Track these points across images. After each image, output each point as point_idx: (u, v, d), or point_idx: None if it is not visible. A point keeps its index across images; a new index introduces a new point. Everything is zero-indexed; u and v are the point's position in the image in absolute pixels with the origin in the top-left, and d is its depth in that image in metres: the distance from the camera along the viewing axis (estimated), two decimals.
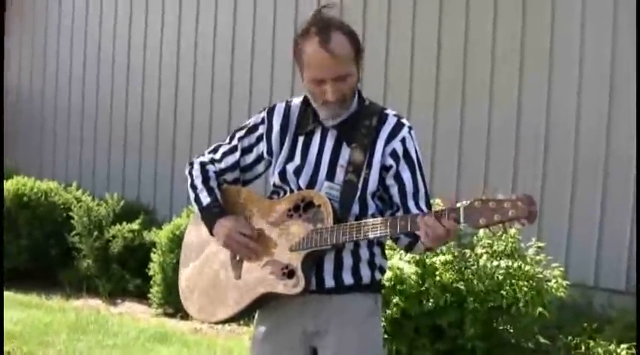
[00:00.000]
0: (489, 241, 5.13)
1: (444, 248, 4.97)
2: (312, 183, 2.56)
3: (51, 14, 9.73)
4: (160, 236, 6.57)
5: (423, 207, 2.56)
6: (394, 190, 2.56)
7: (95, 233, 7.08)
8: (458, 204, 2.31)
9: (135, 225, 7.15)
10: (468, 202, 2.26)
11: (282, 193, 2.62)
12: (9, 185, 7.29)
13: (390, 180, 2.56)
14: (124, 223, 7.15)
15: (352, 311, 2.57)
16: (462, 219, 2.25)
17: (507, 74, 6.48)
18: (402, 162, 2.56)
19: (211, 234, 2.63)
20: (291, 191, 2.58)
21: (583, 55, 6.15)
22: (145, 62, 8.81)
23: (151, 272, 6.57)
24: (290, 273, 2.49)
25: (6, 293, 6.74)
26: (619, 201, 6.03)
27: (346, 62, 2.46)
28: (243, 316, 2.70)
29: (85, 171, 9.18)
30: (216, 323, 2.76)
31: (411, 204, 2.54)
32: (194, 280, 2.74)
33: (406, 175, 2.56)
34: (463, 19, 6.67)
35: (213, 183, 2.69)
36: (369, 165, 2.54)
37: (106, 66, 9.12)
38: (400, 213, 2.52)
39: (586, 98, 6.16)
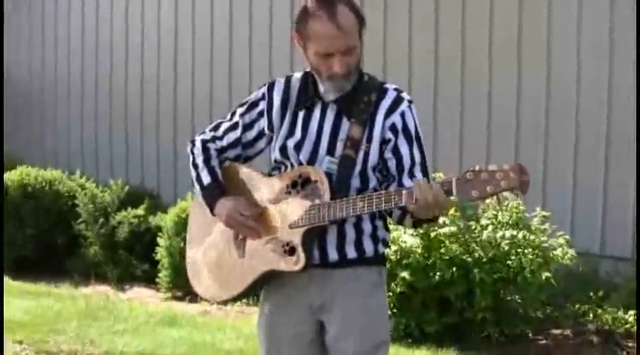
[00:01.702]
0: (494, 212, 5.14)
1: (447, 220, 4.97)
2: (312, 158, 2.55)
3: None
4: (166, 220, 6.58)
5: (420, 177, 2.51)
6: (392, 163, 2.55)
7: (101, 220, 7.09)
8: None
9: (140, 210, 7.16)
10: (460, 174, 2.23)
11: (283, 168, 2.61)
12: (13, 175, 7.30)
13: (388, 154, 2.55)
14: (129, 209, 7.16)
15: (356, 285, 2.57)
16: (454, 192, 2.22)
17: (507, 49, 6.49)
18: (401, 136, 2.55)
19: (212, 213, 2.63)
20: (292, 166, 2.58)
21: (580, 29, 6.16)
22: (144, 39, 8.75)
23: (158, 257, 6.59)
24: (291, 250, 2.49)
25: (14, 283, 6.78)
26: (623, 169, 6.02)
27: (352, 35, 2.47)
28: (248, 294, 2.72)
29: (88, 158, 9.17)
30: (223, 301, 2.78)
31: (405, 178, 2.52)
32: (200, 260, 2.75)
33: (404, 149, 2.54)
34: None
35: (214, 162, 2.69)
36: (370, 139, 2.54)
37: (104, 47, 9.09)
38: (393, 187, 2.49)
39: (585, 71, 6.16)
